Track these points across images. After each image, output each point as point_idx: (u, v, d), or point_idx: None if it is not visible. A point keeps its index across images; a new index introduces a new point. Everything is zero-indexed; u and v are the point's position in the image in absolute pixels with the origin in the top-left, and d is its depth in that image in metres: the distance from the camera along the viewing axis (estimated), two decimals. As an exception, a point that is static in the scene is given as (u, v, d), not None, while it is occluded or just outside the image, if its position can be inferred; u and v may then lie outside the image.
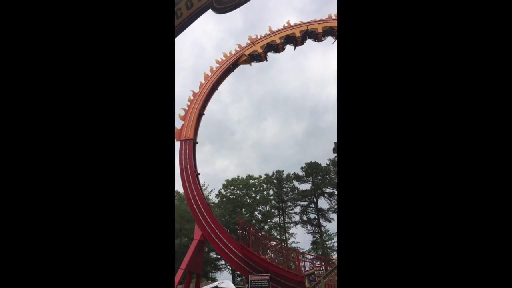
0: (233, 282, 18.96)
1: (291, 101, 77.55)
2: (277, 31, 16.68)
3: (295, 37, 16.27)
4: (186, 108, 15.67)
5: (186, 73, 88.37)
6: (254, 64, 16.72)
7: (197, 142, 15.43)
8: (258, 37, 16.91)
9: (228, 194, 34.07)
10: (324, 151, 62.28)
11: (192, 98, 15.93)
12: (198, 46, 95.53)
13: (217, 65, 16.62)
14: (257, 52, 15.99)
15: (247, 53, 16.06)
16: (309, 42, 16.88)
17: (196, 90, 16.21)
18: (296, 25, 16.75)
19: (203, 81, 16.37)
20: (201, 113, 15.84)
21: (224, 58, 16.80)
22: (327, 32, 15.84)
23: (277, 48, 16.35)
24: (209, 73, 16.54)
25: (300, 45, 16.70)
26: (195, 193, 14.07)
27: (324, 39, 16.41)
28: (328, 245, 31.48)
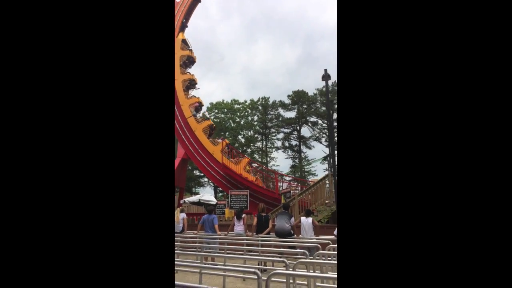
0: (215, 197, 20.67)
1: (286, 24, 71.37)
2: None
3: None
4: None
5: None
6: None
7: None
8: None
9: (212, 117, 34.13)
10: (314, 80, 60.36)
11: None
12: None
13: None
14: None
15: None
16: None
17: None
18: None
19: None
20: (184, 26, 14.53)
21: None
22: None
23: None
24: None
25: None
26: (177, 114, 13.98)
27: None
28: (305, 169, 33.78)
